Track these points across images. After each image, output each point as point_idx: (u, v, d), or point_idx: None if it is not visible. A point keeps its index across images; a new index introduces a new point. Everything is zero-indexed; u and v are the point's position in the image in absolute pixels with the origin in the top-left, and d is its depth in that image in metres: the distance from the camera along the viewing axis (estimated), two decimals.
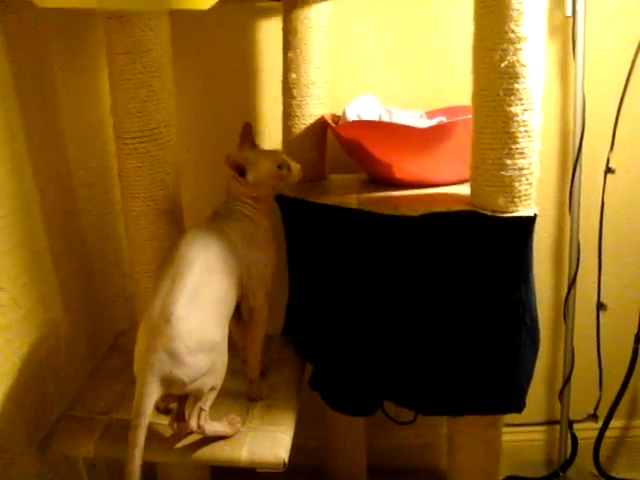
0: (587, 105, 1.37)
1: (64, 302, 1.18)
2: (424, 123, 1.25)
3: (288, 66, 1.27)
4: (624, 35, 1.37)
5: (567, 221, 1.48)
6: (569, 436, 1.61)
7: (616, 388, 1.56)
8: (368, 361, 1.18)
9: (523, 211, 1.01)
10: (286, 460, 0.99)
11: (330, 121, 1.27)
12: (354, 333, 1.19)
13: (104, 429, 1.05)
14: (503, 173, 0.99)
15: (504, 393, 1.10)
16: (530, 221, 1.00)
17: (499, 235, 1.02)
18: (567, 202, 1.46)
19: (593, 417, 1.61)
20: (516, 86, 0.96)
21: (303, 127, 1.30)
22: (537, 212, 1.01)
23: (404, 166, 1.19)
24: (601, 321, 1.55)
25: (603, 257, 1.50)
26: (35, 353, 1.08)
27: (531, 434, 1.68)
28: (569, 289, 1.49)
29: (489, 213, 1.01)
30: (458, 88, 1.31)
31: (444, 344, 1.09)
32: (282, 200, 1.24)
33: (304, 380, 1.24)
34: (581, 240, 1.47)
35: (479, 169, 1.02)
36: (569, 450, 1.61)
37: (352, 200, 1.15)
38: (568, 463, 1.61)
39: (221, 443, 1.01)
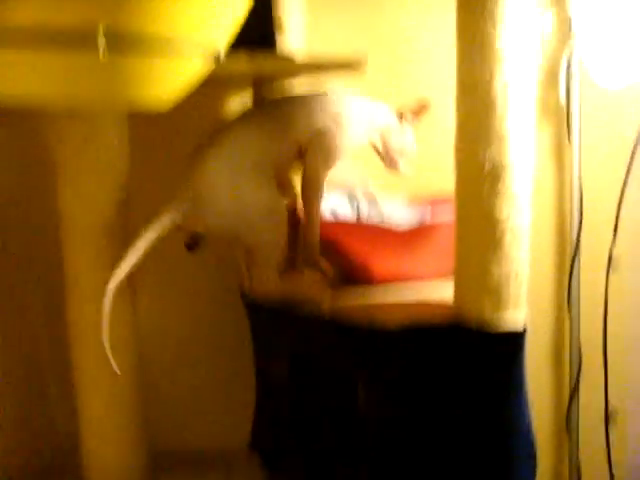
0: (585, 193, 1.41)
1: None
2: (408, 214, 1.28)
3: None
4: (623, 118, 1.42)
5: (567, 321, 1.49)
6: None
7: None
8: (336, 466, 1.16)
9: (512, 323, 1.01)
10: None
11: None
12: (325, 451, 1.17)
13: None
14: (489, 281, 1.00)
15: None
16: (519, 337, 1.01)
17: (485, 351, 1.02)
18: (566, 301, 1.48)
19: None
20: (501, 187, 0.98)
21: None
22: (527, 327, 1.02)
23: (383, 266, 1.20)
24: (610, 432, 1.54)
25: (608, 359, 1.51)
26: None
27: None
28: (571, 397, 1.49)
29: (474, 326, 1.01)
30: (446, 174, 1.35)
31: (425, 465, 1.07)
32: (250, 306, 1.25)
33: None
34: (583, 342, 1.48)
35: (462, 276, 1.03)
36: None
37: (325, 306, 1.15)
38: None
39: None
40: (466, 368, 1.03)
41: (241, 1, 0.77)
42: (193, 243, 1.12)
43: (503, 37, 0.95)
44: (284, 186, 1.21)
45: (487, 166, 0.98)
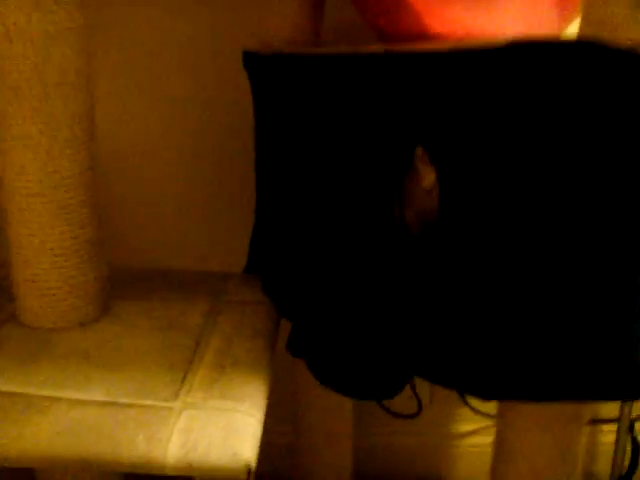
0: None
1: None
2: None
3: None
4: None
5: None
6: None
7: None
8: (387, 311, 0.74)
9: None
10: (252, 465, 0.57)
11: None
12: (362, 268, 0.76)
13: None
14: None
15: (619, 367, 0.66)
16: None
17: (627, 79, 0.60)
18: None
19: None
20: None
21: None
22: None
23: (444, 11, 0.79)
24: None
25: None
26: None
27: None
28: None
29: (613, 45, 0.60)
30: None
31: (519, 283, 0.65)
32: (251, 60, 0.83)
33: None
34: None
35: None
36: None
37: (359, 50, 0.74)
38: None
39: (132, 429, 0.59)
40: (595, 111, 0.61)
41: None
42: None
43: None
44: None
45: None
